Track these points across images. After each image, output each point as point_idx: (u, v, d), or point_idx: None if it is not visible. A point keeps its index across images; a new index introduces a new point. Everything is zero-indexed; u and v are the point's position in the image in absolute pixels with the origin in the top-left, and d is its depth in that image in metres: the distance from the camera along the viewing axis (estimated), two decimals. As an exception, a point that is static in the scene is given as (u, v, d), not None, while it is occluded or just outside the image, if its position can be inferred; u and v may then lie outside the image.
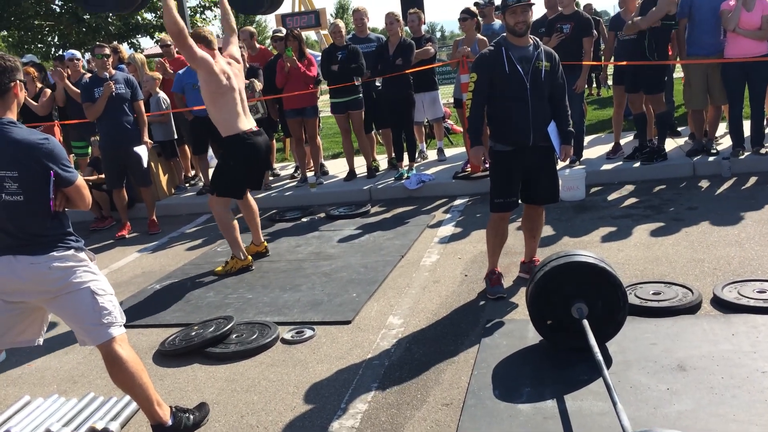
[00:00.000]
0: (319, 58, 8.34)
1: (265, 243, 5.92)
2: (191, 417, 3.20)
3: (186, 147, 9.13)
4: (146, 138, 7.35)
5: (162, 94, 8.41)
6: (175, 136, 8.64)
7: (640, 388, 3.07)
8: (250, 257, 5.63)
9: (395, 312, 4.31)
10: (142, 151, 7.21)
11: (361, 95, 7.91)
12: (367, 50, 7.95)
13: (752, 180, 6.39)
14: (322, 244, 6.06)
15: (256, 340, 4.04)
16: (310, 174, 8.56)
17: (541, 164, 4.24)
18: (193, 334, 4.18)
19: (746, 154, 6.82)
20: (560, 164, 6.28)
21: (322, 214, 7.14)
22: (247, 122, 5.38)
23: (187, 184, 9.20)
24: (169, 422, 3.09)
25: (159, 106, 8.36)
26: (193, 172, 9.49)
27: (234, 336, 4.14)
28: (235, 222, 5.58)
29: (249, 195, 5.71)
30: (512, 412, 3.01)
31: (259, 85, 8.08)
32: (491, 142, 4.30)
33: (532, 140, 4.13)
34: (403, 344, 3.84)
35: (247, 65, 8.28)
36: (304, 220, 6.85)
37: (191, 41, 4.99)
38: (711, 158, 6.92)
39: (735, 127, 6.91)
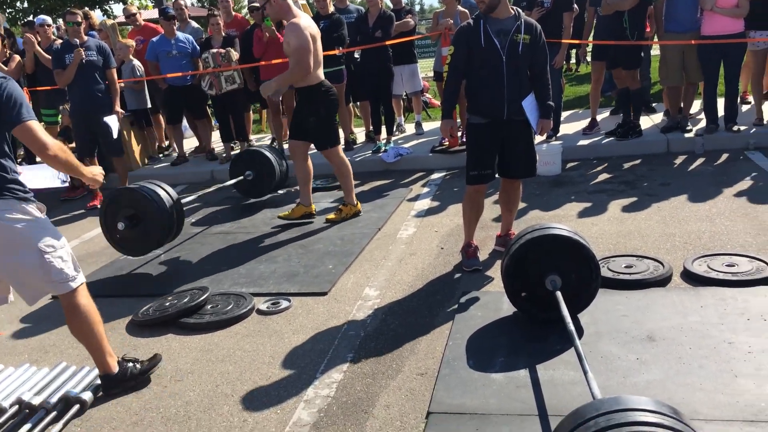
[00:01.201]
0: None
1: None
2: (137, 366, 3.30)
3: (160, 116, 8.99)
4: (117, 107, 7.22)
5: (136, 62, 8.25)
6: (149, 105, 8.50)
7: (610, 358, 3.13)
8: (359, 204, 5.86)
9: (371, 284, 4.33)
10: (112, 121, 7.08)
11: (343, 67, 7.83)
12: (347, 21, 7.86)
13: (724, 157, 6.48)
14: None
15: (232, 311, 4.03)
16: (286, 146, 8.49)
17: (517, 138, 4.25)
18: (167, 304, 4.16)
19: (720, 131, 6.91)
20: (537, 139, 6.31)
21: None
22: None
23: (160, 155, 9.09)
24: (115, 371, 3.20)
25: (133, 74, 8.20)
26: (167, 143, 9.37)
27: (209, 307, 4.13)
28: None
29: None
30: (486, 381, 3.05)
31: (235, 55, 7.96)
32: (468, 114, 4.29)
33: (506, 114, 4.13)
34: (379, 315, 3.87)
35: (223, 33, 8.16)
36: (280, 192, 6.81)
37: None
38: (685, 135, 7.00)
39: (709, 104, 6.98)
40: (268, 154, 6.52)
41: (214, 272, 4.82)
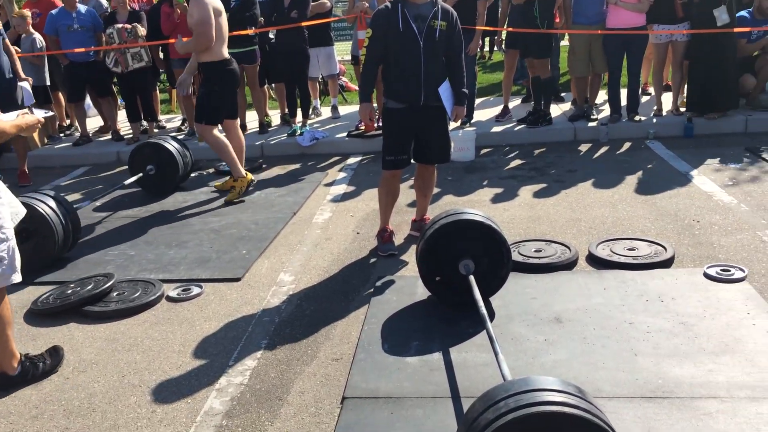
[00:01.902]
0: None
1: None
2: (40, 365, 3.16)
3: (60, 94, 8.50)
4: (21, 74, 6.72)
5: (37, 35, 7.74)
6: (48, 82, 8.00)
7: (520, 339, 3.23)
8: (249, 174, 5.84)
9: (286, 269, 4.27)
10: (25, 88, 6.58)
11: (256, 47, 7.64)
12: (261, 0, 7.66)
13: (626, 145, 6.79)
14: (210, 200, 5.87)
15: (139, 298, 3.88)
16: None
17: (433, 124, 4.29)
18: (69, 292, 3.96)
19: (623, 120, 7.23)
20: (452, 125, 6.39)
21: (212, 170, 6.91)
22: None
23: (62, 134, 8.61)
24: (15, 373, 3.07)
25: (34, 47, 7.69)
26: (68, 122, 8.88)
27: (115, 294, 3.96)
28: (228, 142, 5.76)
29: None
30: (400, 365, 3.08)
31: (142, 30, 7.62)
32: (385, 99, 4.29)
33: (423, 99, 4.16)
34: (294, 301, 3.82)
35: (129, 8, 7.79)
36: (192, 175, 6.59)
37: None
38: (590, 124, 7.28)
39: (613, 94, 7.29)
40: (170, 146, 6.06)
41: (121, 258, 4.62)
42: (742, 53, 7.12)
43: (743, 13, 7.11)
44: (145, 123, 8.19)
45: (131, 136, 7.96)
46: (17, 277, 2.98)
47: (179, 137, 7.15)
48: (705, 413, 2.58)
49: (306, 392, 2.94)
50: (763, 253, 3.98)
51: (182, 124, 8.55)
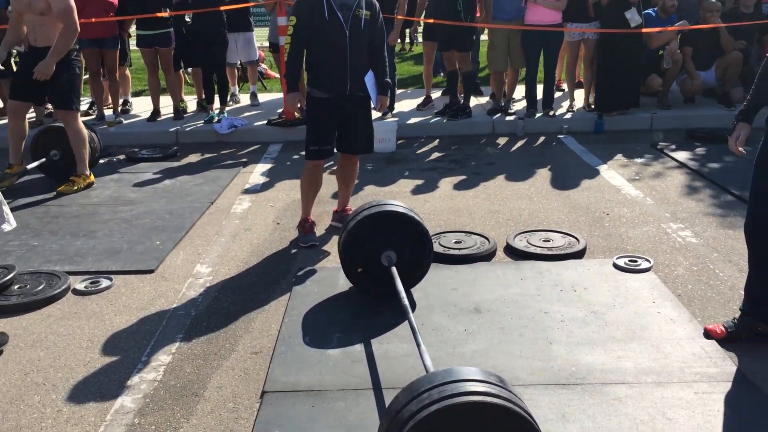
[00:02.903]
0: None
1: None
2: None
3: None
4: None
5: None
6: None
7: (441, 330, 3.26)
8: (92, 174, 5.65)
9: (203, 260, 4.14)
10: None
11: (171, 30, 7.36)
12: (177, -19, 7.39)
13: (541, 139, 6.99)
14: (121, 188, 5.62)
15: (43, 291, 3.66)
16: (108, 112, 7.87)
17: (357, 114, 4.26)
18: (-34, 285, 3.69)
19: (538, 115, 7.44)
20: (373, 116, 6.38)
21: (122, 156, 6.62)
22: None
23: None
24: None
25: None
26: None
27: (16, 287, 3.72)
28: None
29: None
30: (322, 357, 3.05)
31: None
32: (309, 88, 4.22)
33: (349, 89, 4.12)
34: (212, 293, 3.71)
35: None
36: (101, 161, 6.29)
37: None
38: (508, 118, 7.45)
39: (530, 90, 7.49)
40: None
41: (23, 249, 4.35)
42: (655, 45, 7.43)
43: (648, 11, 7.44)
44: (50, 106, 7.74)
45: (33, 119, 7.51)
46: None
47: (87, 121, 6.79)
48: (615, 398, 2.69)
49: (224, 387, 2.86)
50: (666, 244, 4.19)
51: (90, 107, 8.14)
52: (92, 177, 5.67)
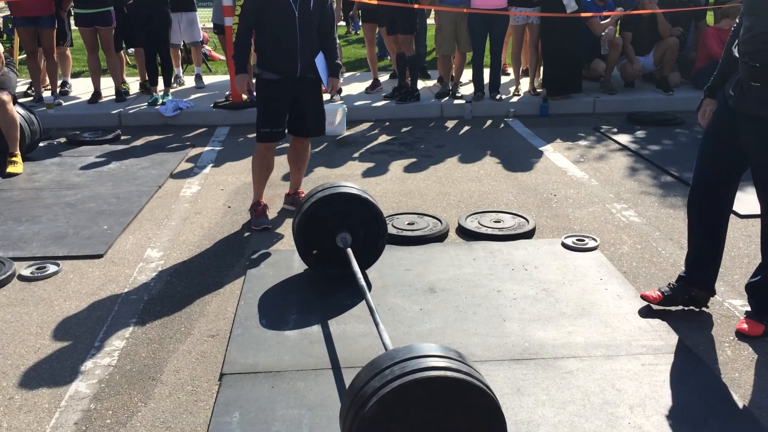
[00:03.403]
0: None
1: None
2: None
3: None
4: None
5: None
6: None
7: (396, 310, 3.31)
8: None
9: (154, 245, 4.07)
10: None
11: (111, 8, 7.12)
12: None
13: (489, 122, 7.10)
14: (64, 172, 5.45)
15: (-13, 278, 3.54)
16: (46, 93, 7.58)
17: (308, 96, 4.24)
18: None
19: (485, 99, 7.54)
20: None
21: (63, 139, 6.40)
22: None
23: None
24: None
25: None
26: None
27: (-43, 274, 3.59)
28: None
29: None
30: (280, 339, 3.05)
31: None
32: (258, 69, 4.17)
33: (299, 71, 4.10)
34: (164, 278, 3.66)
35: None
36: (41, 144, 6.07)
37: None
38: (455, 101, 7.53)
39: (476, 74, 7.58)
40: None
41: (-39, 235, 4.19)
42: (596, 30, 7.62)
43: (586, -1, 7.63)
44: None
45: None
46: None
47: (25, 103, 6.53)
48: (567, 371, 2.79)
49: (181, 371, 2.84)
50: (611, 224, 4.34)
51: (29, 88, 7.83)
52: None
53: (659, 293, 3.25)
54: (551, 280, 3.58)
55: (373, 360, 2.15)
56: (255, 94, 4.21)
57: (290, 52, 4.02)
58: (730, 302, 3.32)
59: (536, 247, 3.99)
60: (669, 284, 3.28)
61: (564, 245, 3.98)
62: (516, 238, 4.11)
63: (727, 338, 3.03)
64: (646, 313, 3.22)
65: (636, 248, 3.97)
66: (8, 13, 8.58)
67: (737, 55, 2.93)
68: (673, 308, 3.23)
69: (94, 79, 7.51)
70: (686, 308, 3.24)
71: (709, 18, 8.78)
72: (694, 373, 2.79)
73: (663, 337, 3.03)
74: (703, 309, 3.26)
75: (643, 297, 3.27)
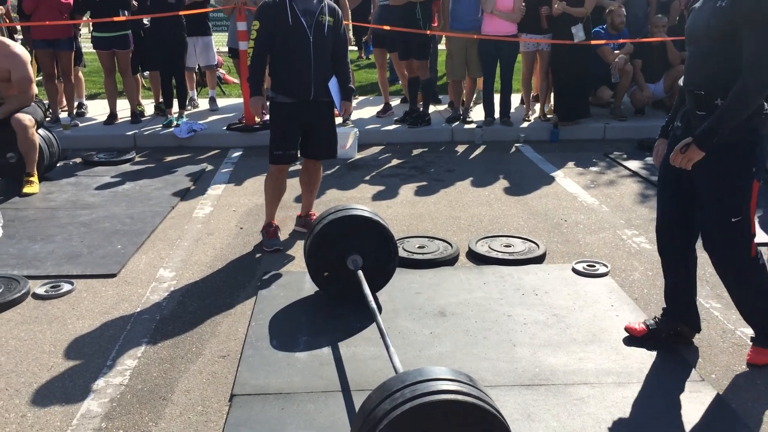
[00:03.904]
0: None
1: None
2: None
3: None
4: None
5: None
6: None
7: (407, 333, 3.31)
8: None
9: (166, 265, 4.11)
10: None
11: (129, 32, 7.26)
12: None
13: (500, 147, 7.14)
14: (79, 192, 5.52)
15: (2, 296, 3.58)
16: (63, 114, 7.70)
17: (321, 119, 4.29)
18: None
19: (496, 124, 7.59)
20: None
21: (79, 160, 6.49)
22: None
23: None
24: None
25: None
26: None
27: (-27, 292, 3.63)
28: None
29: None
30: (290, 360, 3.06)
31: (1, 10, 7.01)
32: (272, 93, 4.24)
33: (313, 94, 4.16)
34: (176, 297, 3.69)
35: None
36: (59, 164, 6.16)
37: None
38: (466, 126, 7.58)
39: (487, 98, 7.64)
40: None
41: (-23, 253, 4.24)
42: (608, 59, 7.69)
43: (597, 28, 7.70)
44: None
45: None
46: None
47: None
48: (577, 398, 2.78)
49: (192, 391, 2.85)
50: (622, 250, 4.34)
51: (47, 109, 7.94)
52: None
53: (644, 326, 3.20)
54: (562, 305, 3.58)
55: (383, 383, 2.16)
56: (268, 116, 4.27)
57: (304, 76, 4.09)
58: (742, 330, 3.31)
59: (547, 272, 3.99)
60: (654, 317, 3.24)
61: (575, 271, 3.98)
62: (526, 263, 4.11)
63: (739, 367, 3.01)
64: (657, 340, 3.21)
65: (647, 275, 3.97)
66: (22, 36, 8.74)
67: (682, 85, 2.91)
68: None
69: (111, 101, 7.63)
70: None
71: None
72: (706, 402, 2.77)
73: (675, 364, 3.02)
74: (716, 337, 3.24)
75: (627, 329, 3.23)
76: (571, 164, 6.44)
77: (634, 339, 3.21)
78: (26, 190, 5.37)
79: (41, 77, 7.61)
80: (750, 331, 3.27)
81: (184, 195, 5.45)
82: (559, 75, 7.44)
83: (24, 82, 5.46)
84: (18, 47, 5.57)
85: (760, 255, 2.92)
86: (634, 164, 6.39)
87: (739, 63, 2.61)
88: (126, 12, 7.12)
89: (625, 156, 6.70)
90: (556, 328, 3.35)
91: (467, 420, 2.04)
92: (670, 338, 3.17)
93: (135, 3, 7.32)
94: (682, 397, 2.79)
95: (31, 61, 8.20)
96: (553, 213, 5.06)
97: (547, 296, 3.68)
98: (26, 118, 5.41)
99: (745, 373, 2.97)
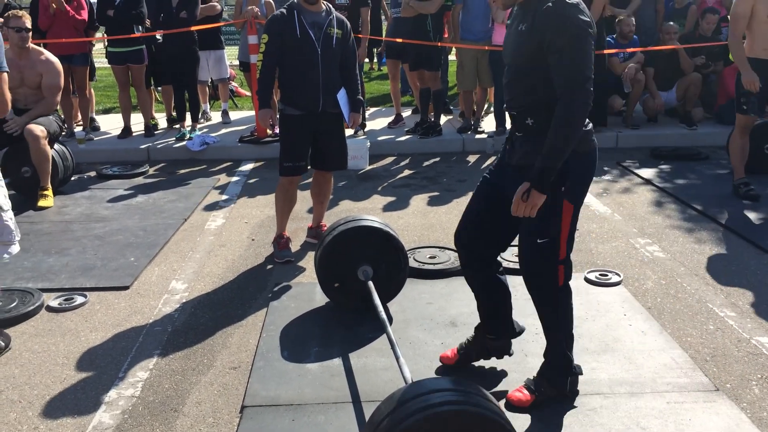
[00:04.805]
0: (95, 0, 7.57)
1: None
2: (1, 342, 3.22)
3: None
4: None
5: None
6: None
7: (417, 343, 3.30)
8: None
9: (179, 277, 4.13)
10: None
11: (143, 47, 7.35)
12: (146, -2, 7.40)
13: (511, 158, 7.11)
14: (93, 205, 5.57)
15: (16, 309, 3.61)
16: (78, 129, 7.80)
17: (330, 130, 4.31)
18: (-65, 303, 3.62)
19: (507, 133, 7.57)
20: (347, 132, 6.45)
21: (93, 173, 6.56)
22: None
23: None
24: None
25: None
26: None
27: (-12, 304, 3.67)
28: None
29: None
30: (301, 371, 3.06)
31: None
32: (281, 105, 4.27)
33: (321, 106, 4.18)
34: (188, 309, 3.70)
35: (5, 1, 7.27)
36: (73, 178, 6.22)
37: None
38: (477, 136, 7.58)
39: (498, 108, 7.63)
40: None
41: (-7, 266, 4.29)
42: (616, 71, 7.67)
43: (608, 38, 7.67)
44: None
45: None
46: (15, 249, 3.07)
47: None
48: (590, 408, 2.76)
49: (203, 402, 2.86)
50: (635, 259, 4.31)
51: (63, 124, 8.04)
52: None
53: (455, 351, 3.06)
54: (574, 315, 3.54)
55: (392, 393, 2.15)
56: (278, 128, 4.30)
57: (313, 88, 4.11)
58: (757, 340, 3.27)
59: (559, 281, 3.96)
60: (467, 339, 3.08)
61: (587, 280, 3.96)
62: (538, 273, 4.08)
63: (754, 376, 2.97)
64: (671, 349, 3.18)
65: (660, 284, 3.93)
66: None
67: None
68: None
69: (125, 115, 7.70)
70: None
71: (731, 55, 8.77)
72: (721, 413, 2.73)
73: (689, 374, 2.99)
74: (731, 346, 3.21)
75: (441, 359, 3.08)
76: (583, 173, 6.40)
77: (643, 348, 3.18)
78: (41, 203, 5.43)
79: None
80: (767, 341, 3.23)
81: (196, 207, 5.48)
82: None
83: (53, 89, 5.62)
84: (52, 56, 5.72)
85: (568, 288, 2.75)
86: (646, 172, 6.35)
87: (544, 84, 2.46)
88: (141, 28, 7.21)
89: (637, 164, 6.66)
90: (569, 337, 3.31)
91: (477, 431, 2.03)
92: (484, 355, 3.03)
93: (148, 20, 7.41)
94: (697, 407, 2.75)
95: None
96: (565, 222, 5.02)
97: (559, 306, 3.65)
98: (38, 128, 5.47)
99: (761, 383, 2.93)
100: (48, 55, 5.66)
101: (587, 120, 2.54)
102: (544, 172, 2.43)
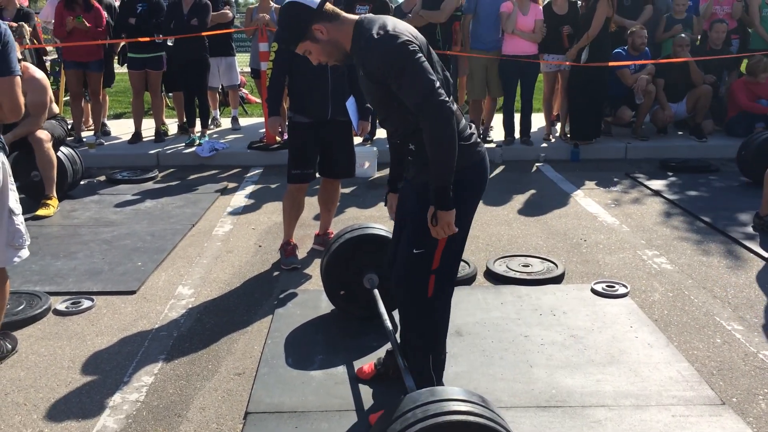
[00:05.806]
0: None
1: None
2: (8, 344, 3.26)
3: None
4: None
5: None
6: None
7: (422, 352, 3.29)
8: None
9: (185, 282, 4.14)
10: None
11: (163, 53, 7.41)
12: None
13: (519, 167, 7.12)
14: (102, 210, 5.60)
15: (23, 312, 3.64)
16: (89, 133, 7.85)
17: (339, 138, 4.32)
18: (-57, 305, 3.64)
19: (516, 143, 7.58)
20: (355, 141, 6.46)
21: (102, 177, 6.60)
22: None
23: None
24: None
25: None
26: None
27: (-4, 307, 3.69)
28: None
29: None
30: (305, 378, 3.06)
31: (29, 31, 7.19)
32: (290, 113, 4.28)
33: (330, 114, 4.19)
34: (194, 315, 3.71)
35: (18, 6, 7.35)
36: (82, 182, 6.27)
37: None
38: (486, 145, 7.56)
39: (507, 118, 7.64)
40: (58, 152, 5.77)
41: (1, 269, 4.31)
42: (627, 82, 7.66)
43: (619, 50, 7.67)
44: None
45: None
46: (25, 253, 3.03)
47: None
48: (594, 421, 2.74)
49: (207, 408, 2.86)
50: (642, 270, 4.29)
51: (70, 129, 8.10)
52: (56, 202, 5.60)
53: (372, 368, 3.04)
54: (580, 326, 3.54)
55: (394, 402, 2.15)
56: (287, 136, 4.31)
57: (322, 97, 4.13)
58: (764, 353, 3.24)
59: (565, 292, 3.95)
60: (386, 353, 3.05)
61: (593, 291, 3.94)
62: (545, 283, 4.08)
63: (761, 391, 2.95)
64: (677, 362, 3.16)
65: (668, 296, 3.91)
66: (56, 56, 8.96)
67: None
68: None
69: (137, 121, 7.76)
70: None
71: (742, 66, 8.74)
72: (727, 427, 2.71)
73: (695, 387, 2.96)
74: (738, 360, 3.18)
75: (357, 373, 3.06)
76: (591, 184, 6.40)
77: (649, 361, 3.16)
78: (40, 212, 5.36)
79: (68, 97, 7.76)
80: (773, 355, 3.21)
81: (204, 213, 5.50)
82: (570, 95, 7.44)
83: (38, 107, 5.37)
84: (38, 72, 5.51)
85: (438, 300, 2.69)
86: (655, 184, 6.33)
87: (407, 111, 2.44)
88: (160, 34, 7.26)
89: (646, 176, 6.64)
90: (574, 349, 3.31)
91: (479, 441, 2.02)
92: (398, 372, 2.90)
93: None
94: (702, 421, 2.73)
95: (54, 83, 8.42)
96: (573, 233, 5.02)
97: (565, 317, 3.64)
98: (42, 132, 5.48)
99: (767, 397, 2.90)
100: (33, 71, 5.44)
101: (472, 133, 2.57)
102: (438, 191, 2.42)
